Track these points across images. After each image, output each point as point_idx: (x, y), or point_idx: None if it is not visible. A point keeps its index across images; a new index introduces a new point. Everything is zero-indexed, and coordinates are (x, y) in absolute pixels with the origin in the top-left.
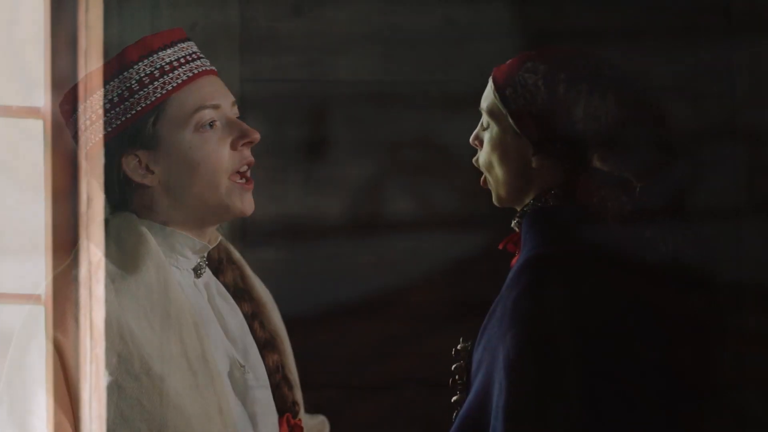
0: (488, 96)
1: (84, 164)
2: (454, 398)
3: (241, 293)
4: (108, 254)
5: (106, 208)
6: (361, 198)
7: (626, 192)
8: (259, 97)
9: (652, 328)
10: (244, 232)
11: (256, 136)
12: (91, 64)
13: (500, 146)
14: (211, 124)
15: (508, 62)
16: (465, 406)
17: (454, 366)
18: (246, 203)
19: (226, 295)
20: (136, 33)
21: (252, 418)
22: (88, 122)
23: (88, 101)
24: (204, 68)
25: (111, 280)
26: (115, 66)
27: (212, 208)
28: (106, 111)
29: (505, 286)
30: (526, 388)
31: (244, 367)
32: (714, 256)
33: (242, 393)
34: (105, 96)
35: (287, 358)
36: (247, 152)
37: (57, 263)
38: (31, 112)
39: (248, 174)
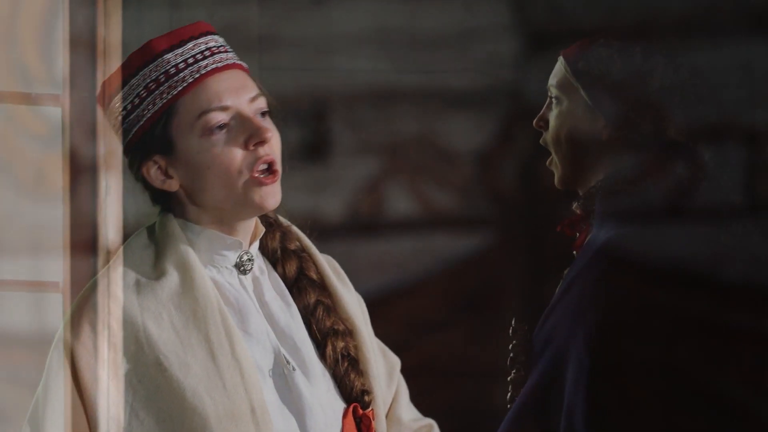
0: (558, 72)
1: (102, 152)
2: (510, 377)
3: (306, 282)
4: (146, 256)
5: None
6: (377, 196)
7: (697, 165)
8: (276, 92)
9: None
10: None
11: (267, 135)
12: (109, 61)
13: (569, 120)
14: (221, 126)
15: (577, 43)
16: (533, 379)
17: (512, 345)
18: (265, 198)
19: (281, 290)
20: (156, 31)
21: (298, 417)
22: (114, 130)
23: (108, 111)
24: (215, 66)
25: (136, 282)
26: (123, 75)
27: (232, 207)
28: (123, 119)
29: (583, 265)
30: (608, 366)
31: (290, 364)
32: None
33: (289, 392)
34: (120, 105)
35: (361, 347)
36: (263, 150)
37: (75, 253)
38: (50, 100)
39: (275, 167)
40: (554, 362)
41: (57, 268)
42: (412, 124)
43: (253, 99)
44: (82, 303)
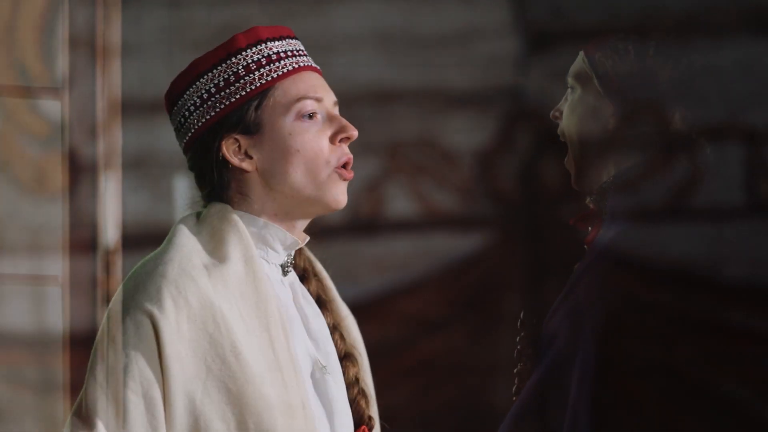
0: (576, 64)
1: (101, 152)
2: (516, 369)
3: (323, 305)
4: (200, 242)
5: (199, 199)
6: (377, 196)
7: (700, 160)
8: None
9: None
10: None
11: (354, 132)
12: (109, 60)
13: (580, 107)
14: (311, 116)
15: (597, 39)
16: (538, 374)
17: (519, 337)
18: (339, 193)
19: (310, 299)
20: (156, 31)
21: (329, 418)
22: (192, 108)
23: (193, 87)
24: (309, 64)
25: (204, 265)
26: (221, 53)
27: (307, 198)
28: (210, 96)
29: (591, 262)
30: (614, 365)
31: (325, 367)
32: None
33: (323, 393)
34: (210, 81)
35: (364, 372)
36: (346, 148)
37: (74, 253)
38: (50, 93)
39: (351, 168)
40: (559, 358)
41: (56, 267)
42: (412, 124)
43: (335, 104)
44: (158, 277)
